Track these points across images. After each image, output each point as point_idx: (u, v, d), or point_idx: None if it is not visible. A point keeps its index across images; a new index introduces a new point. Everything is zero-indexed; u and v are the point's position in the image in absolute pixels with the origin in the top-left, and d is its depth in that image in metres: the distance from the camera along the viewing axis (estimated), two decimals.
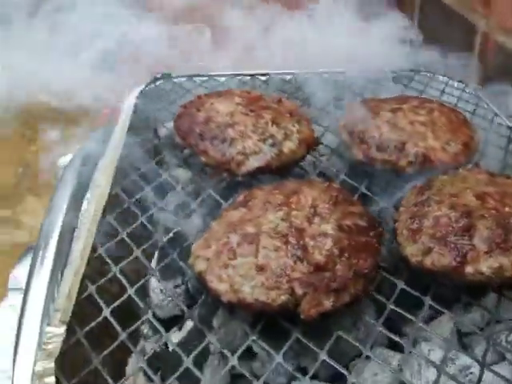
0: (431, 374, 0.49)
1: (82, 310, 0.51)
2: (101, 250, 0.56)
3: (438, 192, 0.58)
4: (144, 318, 0.52)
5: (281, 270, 0.49)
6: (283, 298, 0.48)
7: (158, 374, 0.51)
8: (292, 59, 0.96)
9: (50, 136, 0.77)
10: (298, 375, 0.47)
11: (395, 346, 0.53)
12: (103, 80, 0.78)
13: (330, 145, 0.74)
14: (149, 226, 0.60)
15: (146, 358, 0.48)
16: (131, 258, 0.56)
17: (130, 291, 0.52)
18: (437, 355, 0.51)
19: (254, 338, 0.48)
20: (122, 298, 0.52)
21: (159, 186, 0.66)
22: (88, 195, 0.65)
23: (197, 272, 0.52)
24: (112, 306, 0.51)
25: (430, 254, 0.52)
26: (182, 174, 0.73)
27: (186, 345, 0.52)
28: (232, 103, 0.70)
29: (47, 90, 0.73)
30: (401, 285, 0.53)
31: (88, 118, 0.77)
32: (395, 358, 0.52)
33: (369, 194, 0.65)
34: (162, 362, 0.52)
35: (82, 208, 0.63)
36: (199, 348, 0.48)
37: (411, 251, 0.53)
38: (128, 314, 0.52)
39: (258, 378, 0.46)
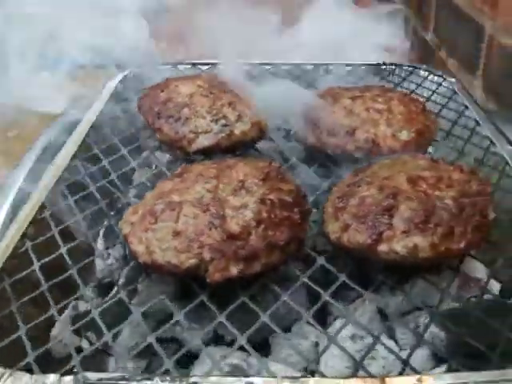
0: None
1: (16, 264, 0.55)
2: (46, 213, 0.60)
3: (371, 174, 0.58)
4: (70, 272, 0.54)
5: (195, 235, 0.50)
6: (191, 261, 0.49)
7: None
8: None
9: None
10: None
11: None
12: None
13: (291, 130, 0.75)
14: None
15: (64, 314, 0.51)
16: (72, 221, 0.60)
17: (62, 250, 0.56)
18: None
19: (163, 297, 0.50)
20: (53, 256, 0.55)
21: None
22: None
23: (123, 235, 0.54)
24: (42, 261, 0.54)
25: (347, 230, 0.52)
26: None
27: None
28: (194, 85, 0.73)
29: None
30: (321, 261, 0.54)
31: None
32: None
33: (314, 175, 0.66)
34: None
35: None
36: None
37: (332, 228, 0.54)
38: (60, 272, 0.55)
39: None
